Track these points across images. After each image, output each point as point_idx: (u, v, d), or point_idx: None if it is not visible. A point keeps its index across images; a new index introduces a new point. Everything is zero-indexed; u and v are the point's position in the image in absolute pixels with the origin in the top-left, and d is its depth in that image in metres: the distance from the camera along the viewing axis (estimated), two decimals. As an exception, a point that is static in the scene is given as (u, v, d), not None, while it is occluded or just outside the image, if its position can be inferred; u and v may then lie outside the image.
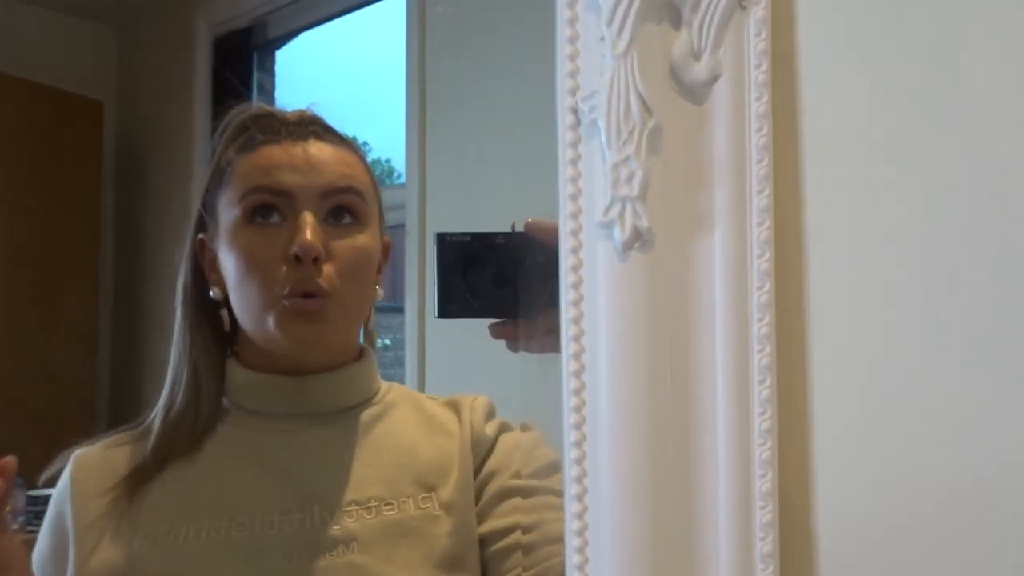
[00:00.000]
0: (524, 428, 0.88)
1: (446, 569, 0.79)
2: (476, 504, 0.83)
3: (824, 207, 0.40)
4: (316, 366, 0.83)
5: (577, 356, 0.39)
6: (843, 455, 0.40)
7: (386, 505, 0.80)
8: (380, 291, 0.90)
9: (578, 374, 0.39)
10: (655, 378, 0.38)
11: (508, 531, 0.81)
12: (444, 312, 0.62)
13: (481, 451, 0.86)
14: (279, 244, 0.77)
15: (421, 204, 2.31)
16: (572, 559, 0.39)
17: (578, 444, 0.39)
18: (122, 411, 3.57)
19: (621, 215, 0.37)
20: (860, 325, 0.39)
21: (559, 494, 0.78)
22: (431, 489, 0.82)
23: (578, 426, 0.39)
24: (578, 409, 0.39)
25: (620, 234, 0.37)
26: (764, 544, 0.39)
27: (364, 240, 0.81)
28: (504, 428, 0.88)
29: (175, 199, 3.10)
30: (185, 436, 0.81)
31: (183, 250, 0.86)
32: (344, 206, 0.80)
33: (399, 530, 0.79)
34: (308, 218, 0.77)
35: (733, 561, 0.39)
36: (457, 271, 0.61)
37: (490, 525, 0.82)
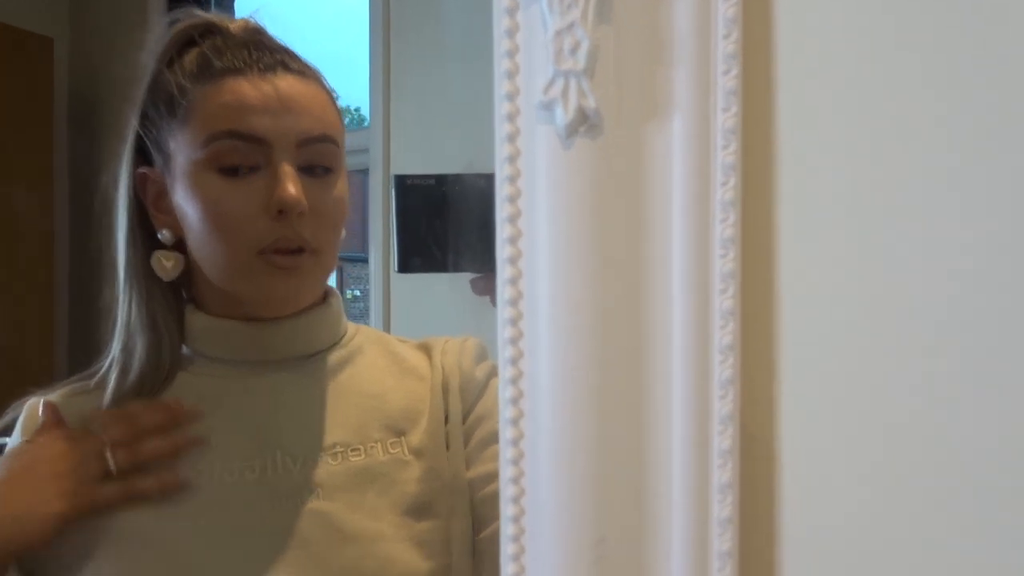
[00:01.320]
0: None
1: (414, 515, 0.76)
2: (465, 448, 0.79)
3: (799, 90, 0.35)
4: (280, 313, 0.78)
5: (513, 261, 0.33)
6: (810, 374, 0.35)
7: (352, 451, 0.76)
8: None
9: (514, 281, 0.34)
10: (601, 286, 0.33)
11: (494, 477, 0.77)
12: (406, 266, 0.55)
13: (471, 395, 0.82)
14: (256, 197, 0.71)
15: (386, 148, 2.23)
16: (507, 491, 0.35)
17: (514, 361, 0.35)
18: (81, 357, 3.51)
19: (564, 93, 0.32)
20: (834, 228, 0.34)
21: None
22: (400, 434, 0.78)
23: (514, 341, 0.34)
24: (514, 322, 0.34)
25: (563, 115, 0.32)
26: (723, 473, 0.35)
27: (340, 189, 0.77)
28: (495, 371, 0.84)
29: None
30: (147, 387, 0.76)
31: (115, 181, 0.79)
32: (321, 159, 0.75)
33: (366, 476, 0.75)
34: (288, 169, 0.71)
35: (689, 499, 0.35)
36: (420, 219, 0.52)
37: (477, 470, 0.79)
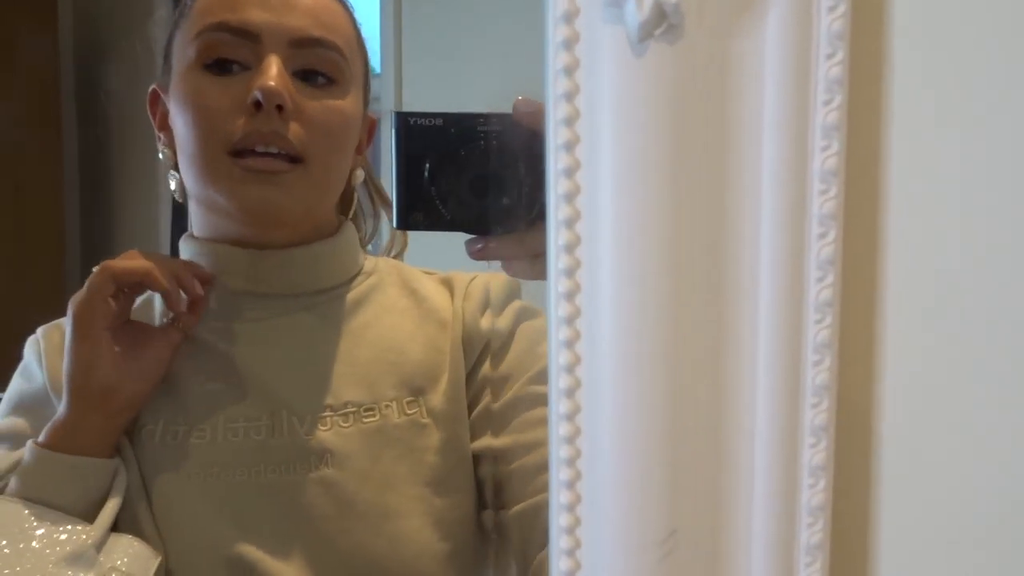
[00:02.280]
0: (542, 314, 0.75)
1: (432, 488, 0.68)
2: (489, 408, 0.71)
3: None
4: (279, 241, 0.70)
5: (570, 197, 0.27)
6: (915, 335, 0.29)
7: (366, 411, 0.69)
8: (361, 173, 0.78)
9: (570, 223, 0.28)
10: (677, 228, 0.27)
11: (532, 447, 0.68)
12: (405, 221, 0.47)
13: (496, 346, 0.72)
14: (236, 92, 0.64)
15: (397, 92, 2.15)
16: (560, 474, 0.29)
17: (569, 321, 0.29)
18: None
19: (637, -16, 0.25)
20: (951, 157, 0.28)
21: None
22: (418, 393, 0.70)
23: (570, 296, 0.28)
24: (570, 273, 0.28)
25: (636, 13, 0.26)
26: (814, 454, 0.29)
27: (345, 104, 0.68)
28: (524, 315, 0.74)
29: (141, 85, 2.91)
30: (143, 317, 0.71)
31: None
32: (320, 64, 0.67)
33: (380, 441, 0.68)
34: (274, 61, 0.64)
35: (773, 484, 0.29)
36: (423, 167, 0.45)
37: (509, 439, 0.70)
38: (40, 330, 0.75)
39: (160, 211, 2.93)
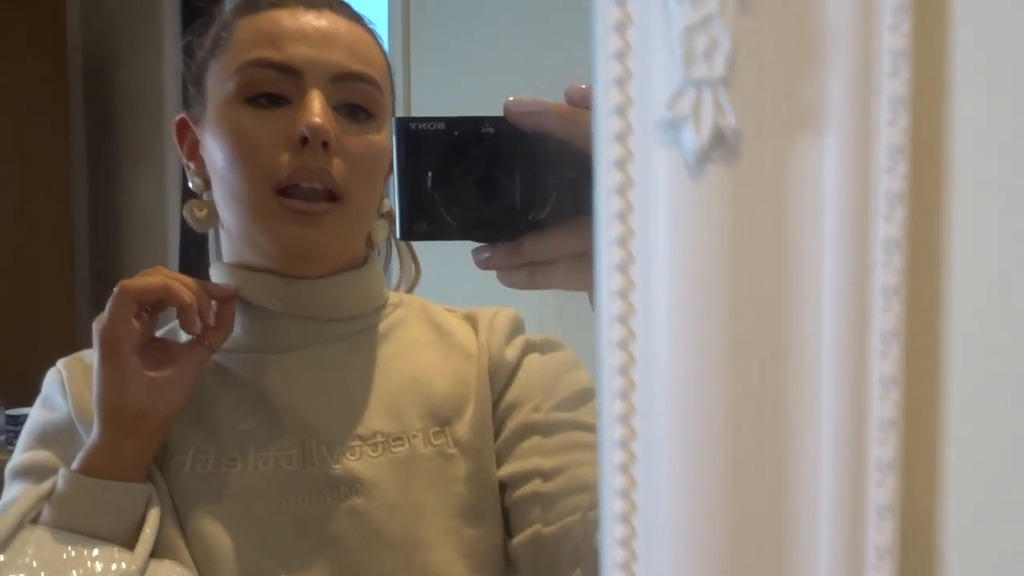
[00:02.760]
0: (551, 347, 0.76)
1: (462, 519, 0.69)
2: (495, 441, 0.72)
3: (984, 96, 0.27)
4: (313, 274, 0.71)
5: (623, 318, 0.27)
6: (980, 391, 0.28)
7: (395, 440, 0.70)
8: (388, 202, 0.79)
9: (624, 345, 0.27)
10: (734, 351, 0.27)
11: (528, 476, 0.70)
12: (409, 232, 0.45)
13: (502, 378, 0.73)
14: (280, 127, 0.65)
15: (406, 99, 2.15)
16: (613, 505, 0.28)
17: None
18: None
19: (696, 108, 0.24)
20: (1019, 279, 0.27)
21: (592, 429, 0.66)
22: (444, 423, 0.71)
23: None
24: (624, 396, 0.27)
25: (694, 136, 0.25)
26: (883, 449, 0.28)
27: (379, 140, 0.70)
28: (530, 348, 0.75)
29: (148, 78, 2.92)
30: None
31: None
32: (359, 99, 0.68)
33: (409, 470, 0.69)
34: (317, 96, 0.65)
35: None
36: (425, 174, 0.43)
37: (509, 468, 0.71)
38: (61, 362, 0.76)
39: (168, 204, 2.93)
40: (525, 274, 0.46)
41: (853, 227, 0.27)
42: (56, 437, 0.72)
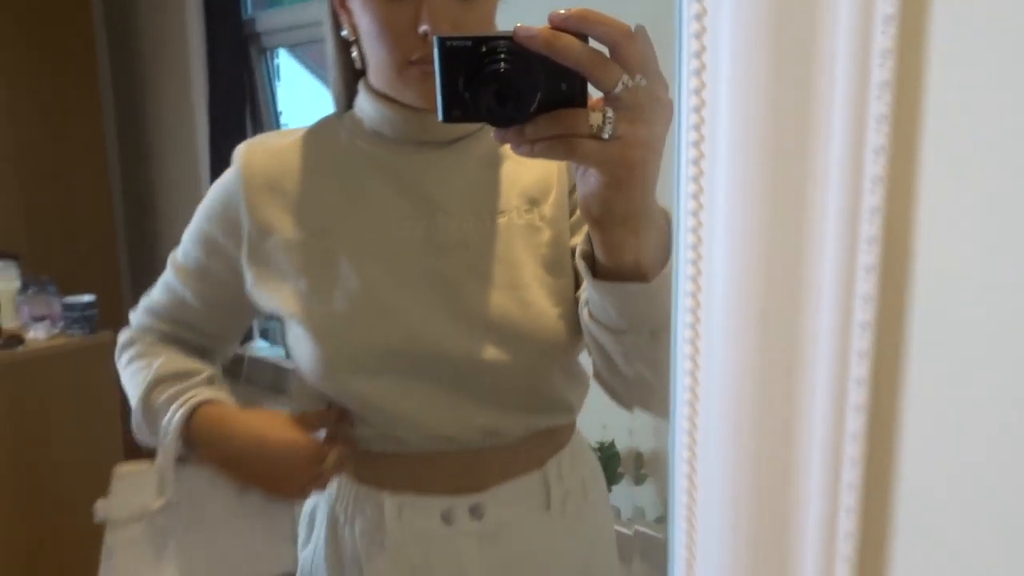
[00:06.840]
0: None
1: (549, 270, 0.94)
2: (570, 218, 0.97)
3: None
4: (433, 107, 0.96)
5: (698, 108, 0.38)
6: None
7: (499, 213, 0.96)
8: None
9: (698, 126, 0.39)
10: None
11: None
12: (448, 116, 0.64)
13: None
14: (407, 17, 0.88)
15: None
16: (684, 317, 0.41)
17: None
18: (135, 219, 3.62)
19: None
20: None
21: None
22: (534, 203, 0.97)
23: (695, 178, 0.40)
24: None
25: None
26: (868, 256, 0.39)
27: (485, 10, 0.91)
28: None
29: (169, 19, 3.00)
30: (332, 141, 1.00)
31: None
32: None
33: (509, 234, 0.95)
34: None
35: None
36: (459, 76, 0.62)
37: (576, 239, 0.95)
38: (241, 155, 1.03)
39: (197, 140, 3.04)
40: (526, 148, 0.64)
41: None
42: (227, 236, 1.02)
